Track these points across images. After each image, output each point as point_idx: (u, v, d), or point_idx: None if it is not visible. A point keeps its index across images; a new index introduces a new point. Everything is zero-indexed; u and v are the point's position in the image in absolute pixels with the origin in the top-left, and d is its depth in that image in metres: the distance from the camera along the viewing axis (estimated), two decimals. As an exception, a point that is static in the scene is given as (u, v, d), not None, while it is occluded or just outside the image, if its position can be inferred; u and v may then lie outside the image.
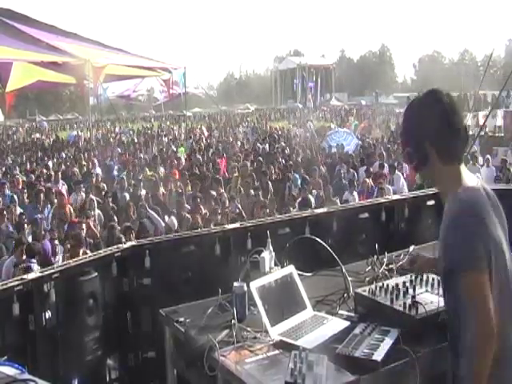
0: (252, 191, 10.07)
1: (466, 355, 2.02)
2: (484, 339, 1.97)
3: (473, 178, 2.21)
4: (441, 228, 2.18)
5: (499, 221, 2.14)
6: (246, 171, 11.90)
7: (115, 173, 13.74)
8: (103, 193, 10.48)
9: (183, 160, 15.39)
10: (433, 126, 2.09)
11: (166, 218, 8.94)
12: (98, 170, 14.02)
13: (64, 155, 17.85)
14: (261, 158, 14.01)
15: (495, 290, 2.03)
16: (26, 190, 11.17)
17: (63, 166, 14.83)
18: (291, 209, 8.51)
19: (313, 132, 22.09)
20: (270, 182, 10.98)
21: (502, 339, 2.03)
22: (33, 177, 13.22)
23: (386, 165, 12.64)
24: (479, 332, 1.97)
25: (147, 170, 13.24)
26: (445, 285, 2.24)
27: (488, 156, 12.79)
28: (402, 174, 11.70)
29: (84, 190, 10.75)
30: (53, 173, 13.16)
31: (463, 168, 2.18)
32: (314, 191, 10.27)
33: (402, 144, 2.23)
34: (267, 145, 18.23)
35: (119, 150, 18.92)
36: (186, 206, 9.28)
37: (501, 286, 2.08)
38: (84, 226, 7.72)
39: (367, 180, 10.79)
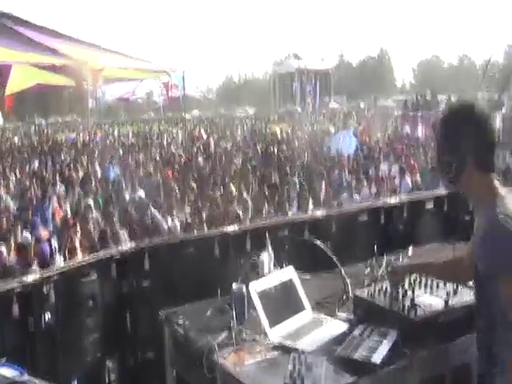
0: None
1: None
2: None
3: (501, 187, 2.29)
4: (477, 234, 2.23)
5: None
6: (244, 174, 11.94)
7: (114, 175, 13.72)
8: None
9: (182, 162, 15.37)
10: (473, 137, 2.22)
11: (169, 220, 8.92)
12: (98, 172, 14.02)
13: (63, 157, 17.77)
14: (255, 162, 14.02)
15: None
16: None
17: (62, 169, 14.81)
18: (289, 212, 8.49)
19: (315, 134, 22.06)
20: (265, 187, 10.92)
21: None
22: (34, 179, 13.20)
23: (383, 167, 12.66)
24: None
25: (151, 169, 13.26)
26: (480, 284, 2.29)
27: None
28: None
29: (82, 193, 10.73)
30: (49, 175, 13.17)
31: (495, 178, 2.27)
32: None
33: (438, 155, 2.33)
34: (264, 148, 18.16)
35: (119, 152, 18.87)
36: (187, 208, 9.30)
37: None
38: (78, 228, 7.65)
39: (364, 183, 10.81)
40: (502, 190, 2.24)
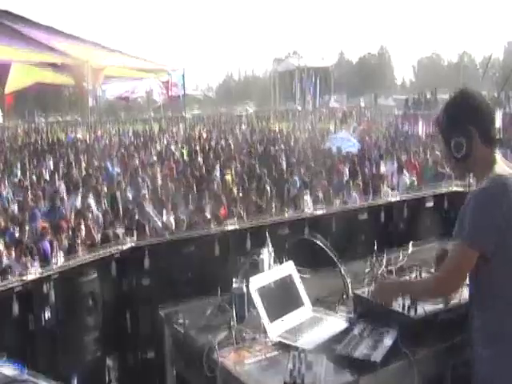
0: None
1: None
2: (436, 293, 2.60)
3: (506, 164, 2.42)
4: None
5: None
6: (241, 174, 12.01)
7: (115, 174, 13.71)
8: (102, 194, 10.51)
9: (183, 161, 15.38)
10: (474, 112, 2.38)
11: (165, 217, 8.93)
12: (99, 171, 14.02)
13: (63, 156, 17.74)
14: (255, 161, 14.04)
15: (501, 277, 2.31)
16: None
17: (62, 168, 14.80)
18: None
19: (315, 133, 22.04)
20: (267, 185, 10.91)
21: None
22: (34, 178, 13.23)
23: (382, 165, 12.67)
24: (436, 285, 2.51)
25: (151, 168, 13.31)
26: None
27: None
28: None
29: (82, 192, 10.73)
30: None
31: (498, 154, 2.44)
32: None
33: (446, 138, 2.45)
34: (264, 147, 18.15)
35: (119, 151, 18.84)
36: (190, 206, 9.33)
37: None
38: (83, 227, 7.66)
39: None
40: (504, 168, 2.37)
